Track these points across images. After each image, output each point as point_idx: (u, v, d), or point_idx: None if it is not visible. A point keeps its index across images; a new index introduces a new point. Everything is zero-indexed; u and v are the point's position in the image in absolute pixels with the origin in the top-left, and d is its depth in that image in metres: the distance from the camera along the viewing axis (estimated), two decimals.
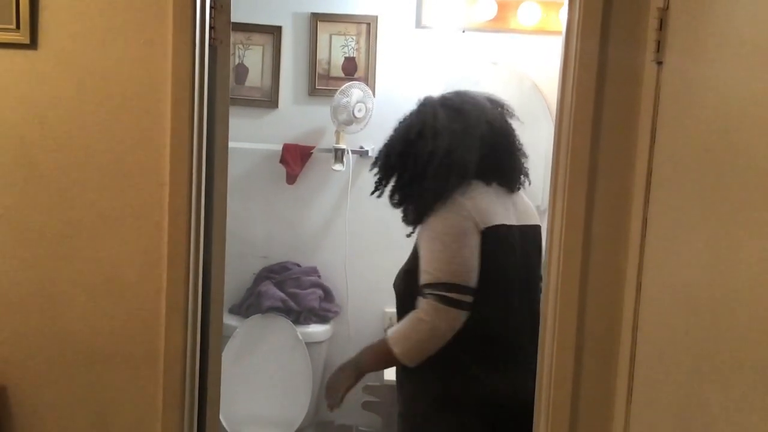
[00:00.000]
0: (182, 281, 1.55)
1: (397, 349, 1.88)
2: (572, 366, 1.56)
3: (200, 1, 1.54)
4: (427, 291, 1.84)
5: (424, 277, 1.86)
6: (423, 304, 1.85)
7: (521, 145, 2.04)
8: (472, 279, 1.83)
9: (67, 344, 1.57)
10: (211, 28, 1.62)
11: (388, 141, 2.09)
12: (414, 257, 1.95)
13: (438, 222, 1.89)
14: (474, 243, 1.84)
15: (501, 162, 1.98)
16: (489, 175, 1.95)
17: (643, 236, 1.49)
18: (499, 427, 1.92)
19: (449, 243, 1.85)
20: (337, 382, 2.08)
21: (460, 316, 1.83)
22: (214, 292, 1.70)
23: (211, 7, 1.61)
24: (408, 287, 1.94)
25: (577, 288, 1.56)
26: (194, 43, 1.53)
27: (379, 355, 2.00)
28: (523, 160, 2.03)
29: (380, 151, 2.11)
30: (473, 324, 1.85)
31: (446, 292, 1.82)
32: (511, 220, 1.93)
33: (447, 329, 1.84)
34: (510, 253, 1.91)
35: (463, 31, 3.05)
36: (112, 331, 1.56)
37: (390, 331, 1.94)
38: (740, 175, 1.11)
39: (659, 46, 1.44)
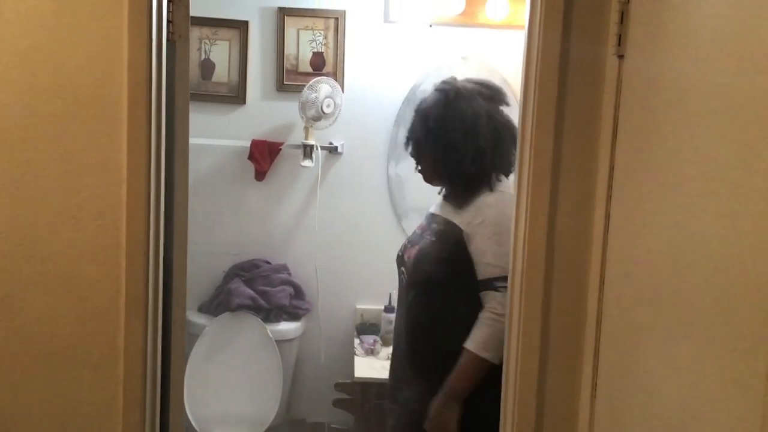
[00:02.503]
0: (141, 280, 1.52)
1: (488, 354, 1.87)
2: (537, 360, 1.56)
3: None
4: (500, 285, 1.86)
5: (492, 271, 1.89)
6: (498, 297, 1.87)
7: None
8: None
9: (25, 345, 1.53)
10: (168, 22, 1.59)
11: (426, 110, 2.09)
12: (454, 244, 1.96)
13: (500, 215, 1.93)
14: None
15: (510, 158, 2.04)
16: (503, 169, 2.04)
17: (606, 230, 1.49)
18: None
19: (508, 238, 1.81)
20: (445, 423, 1.93)
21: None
22: (176, 291, 1.68)
23: (168, 1, 1.58)
24: (449, 275, 1.97)
25: (541, 283, 1.56)
26: (151, 38, 1.50)
27: (471, 371, 1.90)
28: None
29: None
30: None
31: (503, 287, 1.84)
32: None
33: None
34: None
35: (430, 26, 3.04)
36: (71, 332, 1.52)
37: (470, 342, 1.90)
38: (701, 167, 1.10)
39: (620, 40, 1.44)
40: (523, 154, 1.58)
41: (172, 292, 1.67)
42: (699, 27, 1.15)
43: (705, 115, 1.11)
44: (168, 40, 1.60)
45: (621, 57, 1.44)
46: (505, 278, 1.78)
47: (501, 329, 1.79)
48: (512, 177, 1.99)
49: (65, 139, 1.49)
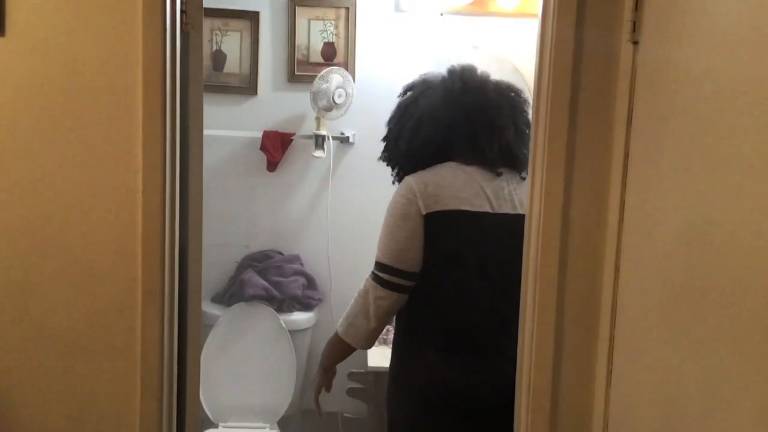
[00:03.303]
0: (158, 270, 1.53)
1: (339, 329, 2.00)
2: (552, 349, 1.56)
3: None
4: (373, 269, 1.92)
5: (378, 255, 1.93)
6: (365, 281, 1.96)
7: (521, 129, 1.98)
8: (409, 263, 1.87)
9: (43, 336, 1.54)
10: (182, 12, 1.60)
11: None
12: None
13: (391, 202, 1.94)
14: (414, 227, 1.86)
15: (481, 144, 1.93)
16: (469, 157, 1.93)
17: (621, 218, 1.48)
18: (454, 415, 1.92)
19: (392, 225, 1.90)
20: (313, 387, 2.16)
21: (392, 298, 1.89)
22: (192, 281, 1.69)
23: None
24: None
25: (556, 271, 1.55)
26: (165, 29, 1.50)
27: (332, 344, 2.09)
28: (520, 145, 1.96)
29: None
30: (425, 309, 1.91)
31: (380, 272, 1.90)
32: (482, 207, 1.87)
33: (378, 309, 1.92)
34: (463, 239, 1.87)
35: (441, 14, 3.03)
36: (88, 322, 1.54)
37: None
38: (717, 154, 1.10)
39: (635, 26, 1.43)
40: (537, 142, 1.58)
41: (188, 283, 1.68)
42: (716, 12, 1.15)
43: (721, 101, 1.10)
44: (181, 30, 1.60)
45: (635, 43, 1.44)
46: (377, 264, 1.91)
47: (355, 308, 1.98)
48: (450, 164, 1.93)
49: (80, 131, 1.50)
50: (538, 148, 1.58)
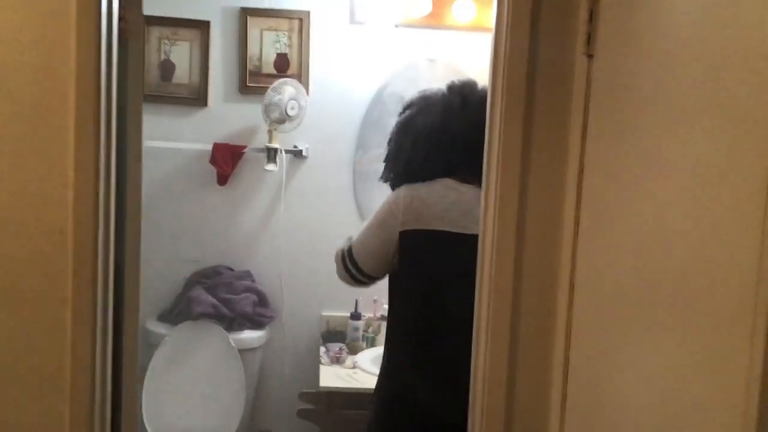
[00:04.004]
0: (89, 290, 1.43)
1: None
2: (506, 369, 1.50)
3: None
4: (346, 248, 1.98)
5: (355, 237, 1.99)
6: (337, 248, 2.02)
7: None
8: (368, 265, 1.93)
9: None
10: (120, 19, 1.52)
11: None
12: None
13: (381, 204, 1.95)
14: (387, 238, 1.88)
15: (480, 161, 1.89)
16: (467, 174, 1.88)
17: (576, 234, 1.44)
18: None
19: (371, 227, 1.93)
20: None
21: (350, 281, 1.99)
22: (129, 300, 1.60)
23: None
24: None
25: (510, 289, 1.50)
26: (100, 37, 1.41)
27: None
28: None
29: None
30: (396, 322, 1.96)
31: (348, 257, 1.96)
32: (467, 228, 1.82)
33: (341, 278, 2.02)
34: (439, 259, 1.87)
35: (396, 26, 2.99)
36: (14, 346, 1.43)
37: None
38: (671, 168, 1.06)
39: (590, 39, 1.40)
40: (491, 157, 1.53)
41: (125, 302, 1.59)
42: (669, 26, 1.11)
43: (675, 115, 1.06)
44: (120, 38, 1.52)
45: (590, 56, 1.40)
46: (349, 246, 1.96)
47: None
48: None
49: (6, 144, 1.40)
50: (492, 164, 1.53)
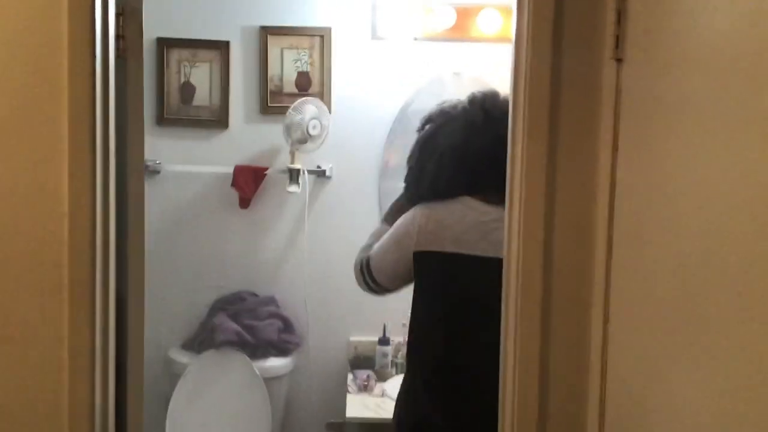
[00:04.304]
0: (87, 326, 1.35)
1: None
2: (536, 412, 1.38)
3: (101, 7, 1.35)
4: (364, 256, 1.93)
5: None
6: (358, 255, 1.98)
7: None
8: (385, 280, 1.88)
9: None
10: (119, 37, 1.44)
11: None
12: None
13: (399, 220, 1.88)
14: (402, 257, 1.81)
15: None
16: (492, 193, 1.73)
17: (609, 257, 1.32)
18: None
19: (388, 243, 1.86)
20: None
21: (369, 292, 1.95)
22: (132, 338, 1.51)
23: (117, 14, 1.43)
24: None
25: (538, 320, 1.39)
26: (94, 55, 1.34)
27: None
28: None
29: None
30: (415, 344, 1.87)
31: (366, 271, 1.90)
32: (486, 251, 1.71)
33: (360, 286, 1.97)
34: (452, 283, 1.78)
35: (415, 39, 2.89)
36: (8, 385, 1.35)
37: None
38: (710, 183, 0.94)
39: (618, 42, 1.28)
40: (514, 174, 1.42)
41: (128, 340, 1.50)
42: (706, 27, 0.99)
43: (717, 126, 0.94)
44: (118, 57, 1.45)
45: (619, 61, 1.28)
46: (368, 257, 1.91)
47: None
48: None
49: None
50: (515, 181, 1.42)
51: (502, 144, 1.73)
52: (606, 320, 1.32)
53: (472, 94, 1.87)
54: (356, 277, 1.96)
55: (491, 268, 1.68)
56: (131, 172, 1.50)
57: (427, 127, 1.89)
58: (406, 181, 1.93)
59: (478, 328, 1.72)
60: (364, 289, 1.96)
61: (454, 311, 1.78)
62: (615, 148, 1.30)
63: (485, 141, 1.76)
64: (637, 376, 1.19)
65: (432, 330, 1.82)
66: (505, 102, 1.82)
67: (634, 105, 1.25)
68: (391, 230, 1.87)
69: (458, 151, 1.79)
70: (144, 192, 1.52)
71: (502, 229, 1.70)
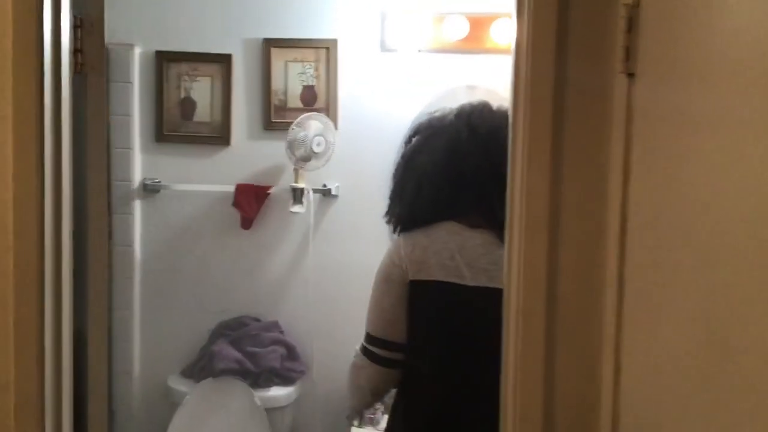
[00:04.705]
0: (34, 375, 1.21)
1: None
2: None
3: (52, 18, 1.22)
4: (363, 341, 1.70)
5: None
6: (355, 354, 1.74)
7: None
8: (395, 333, 1.64)
9: None
10: (76, 51, 1.31)
11: None
12: None
13: (380, 263, 1.69)
14: (399, 293, 1.62)
15: (491, 203, 1.58)
16: (475, 217, 1.61)
17: (620, 298, 1.15)
18: None
19: (377, 290, 1.67)
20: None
21: (381, 373, 1.68)
22: (94, 379, 1.37)
23: (74, 27, 1.30)
24: None
25: (541, 367, 1.22)
26: (43, 70, 1.21)
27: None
28: None
29: None
30: (405, 385, 1.70)
31: (369, 343, 1.67)
32: (475, 279, 1.56)
33: (366, 383, 1.72)
34: (445, 315, 1.60)
35: (419, 51, 2.73)
36: None
37: None
38: (733, 216, 0.77)
39: (629, 54, 1.11)
40: (514, 201, 1.26)
41: (88, 386, 1.36)
42: (728, 35, 0.82)
43: (741, 145, 0.77)
44: (76, 72, 1.32)
45: (631, 75, 1.11)
46: (366, 335, 1.67)
47: (348, 381, 1.78)
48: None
49: None
50: (515, 209, 1.26)
51: (488, 163, 1.57)
52: (617, 368, 1.15)
53: (461, 105, 1.71)
54: (354, 376, 1.74)
55: (488, 298, 1.52)
56: (92, 197, 1.37)
57: (413, 139, 1.74)
58: (390, 197, 1.78)
59: (472, 365, 1.56)
60: (370, 382, 1.71)
61: (448, 346, 1.61)
62: (626, 173, 1.14)
63: (469, 162, 1.60)
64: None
65: (422, 364, 1.65)
66: (498, 115, 1.66)
67: (648, 124, 1.08)
68: (375, 279, 1.68)
69: (438, 174, 1.63)
70: (107, 218, 1.39)
71: (492, 254, 1.53)
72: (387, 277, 1.64)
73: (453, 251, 1.57)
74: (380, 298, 1.66)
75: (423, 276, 1.58)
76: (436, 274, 1.57)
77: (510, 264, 1.27)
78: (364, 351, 1.69)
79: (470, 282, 1.55)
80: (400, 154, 1.79)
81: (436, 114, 1.73)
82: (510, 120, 1.29)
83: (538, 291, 1.21)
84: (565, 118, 1.21)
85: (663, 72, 1.03)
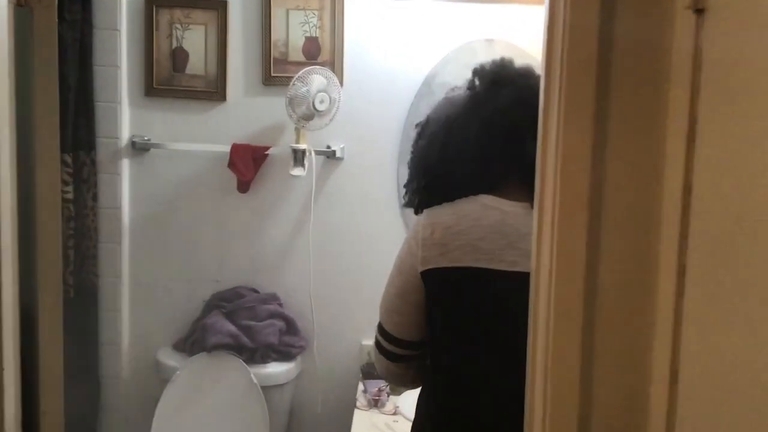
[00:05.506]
0: None
1: None
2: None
3: None
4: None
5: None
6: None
7: None
8: (404, 331, 1.47)
9: None
10: None
11: None
12: None
13: (400, 248, 1.47)
14: (407, 287, 1.41)
15: (531, 169, 1.36)
16: (513, 189, 1.38)
17: (680, 290, 0.93)
18: None
19: (390, 279, 1.47)
20: None
21: (392, 368, 1.53)
22: (46, 370, 1.17)
23: None
24: None
25: (577, 371, 1.01)
26: None
27: None
28: None
29: None
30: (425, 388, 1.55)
31: (380, 334, 1.53)
32: (514, 264, 1.33)
33: (385, 374, 1.59)
34: (475, 307, 1.37)
35: None
36: None
37: None
38: None
39: None
40: (546, 174, 1.03)
41: (39, 375, 1.16)
42: None
43: None
44: (18, 5, 1.09)
45: (699, 11, 0.88)
46: (379, 326, 1.52)
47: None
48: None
49: None
50: (548, 183, 1.03)
51: (527, 124, 1.32)
52: (674, 380, 0.93)
53: (480, 65, 1.49)
54: (375, 360, 1.59)
55: (525, 288, 1.29)
56: (41, 161, 1.15)
57: (429, 119, 1.52)
58: (408, 167, 1.55)
59: (506, 375, 1.33)
60: (386, 371, 1.57)
61: (478, 342, 1.39)
62: (691, 138, 0.91)
63: (503, 122, 1.37)
64: None
65: (449, 365, 1.43)
66: (520, 70, 1.44)
67: (721, 75, 0.85)
68: (392, 269, 1.48)
69: (468, 136, 1.39)
70: (59, 186, 1.18)
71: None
72: (400, 268, 1.44)
73: (487, 230, 1.34)
74: (389, 288, 1.47)
75: (444, 263, 1.35)
76: (463, 258, 1.34)
77: (539, 251, 1.06)
78: (376, 341, 1.55)
79: (512, 267, 1.32)
80: (416, 133, 1.55)
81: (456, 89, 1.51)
82: (542, 76, 1.06)
83: (574, 283, 1.00)
84: (612, 71, 0.97)
85: (746, 5, 0.80)
